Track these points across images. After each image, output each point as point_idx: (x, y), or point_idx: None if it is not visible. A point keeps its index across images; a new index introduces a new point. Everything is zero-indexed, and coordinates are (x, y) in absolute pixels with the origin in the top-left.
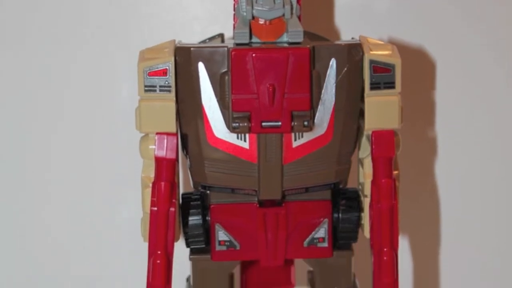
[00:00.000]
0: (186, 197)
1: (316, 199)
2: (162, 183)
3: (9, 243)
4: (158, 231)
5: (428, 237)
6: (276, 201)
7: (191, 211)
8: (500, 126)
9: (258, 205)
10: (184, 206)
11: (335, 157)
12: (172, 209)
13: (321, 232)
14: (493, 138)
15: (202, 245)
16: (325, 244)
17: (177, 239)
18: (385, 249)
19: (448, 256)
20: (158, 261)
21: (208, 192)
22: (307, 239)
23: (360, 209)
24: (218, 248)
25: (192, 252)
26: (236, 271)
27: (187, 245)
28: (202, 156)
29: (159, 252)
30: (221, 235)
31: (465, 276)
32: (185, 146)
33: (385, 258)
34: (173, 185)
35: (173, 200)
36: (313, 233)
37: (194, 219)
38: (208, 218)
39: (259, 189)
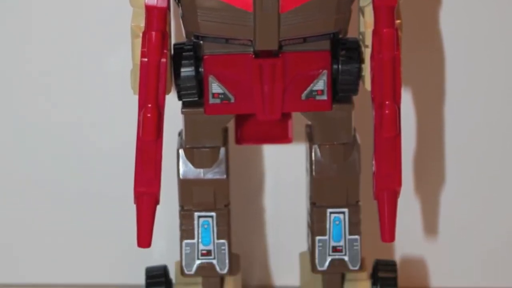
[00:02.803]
0: (178, 47)
1: (315, 50)
2: (153, 33)
3: None
4: (149, 83)
5: (432, 90)
6: (273, 52)
7: (183, 62)
8: None
9: (253, 56)
10: (176, 57)
11: (334, 5)
12: (163, 60)
13: (320, 84)
14: None
15: (194, 98)
16: (324, 97)
17: (169, 92)
18: (387, 102)
19: (452, 109)
20: (149, 115)
21: (201, 42)
22: (305, 92)
23: (360, 60)
24: (211, 101)
25: (184, 105)
26: (231, 125)
27: (179, 98)
28: (195, 4)
29: (149, 105)
30: (215, 87)
31: (470, 130)
32: None
33: (387, 111)
34: (165, 35)
35: (165, 51)
36: (311, 85)
37: (186, 71)
38: (201, 69)
39: (255, 39)
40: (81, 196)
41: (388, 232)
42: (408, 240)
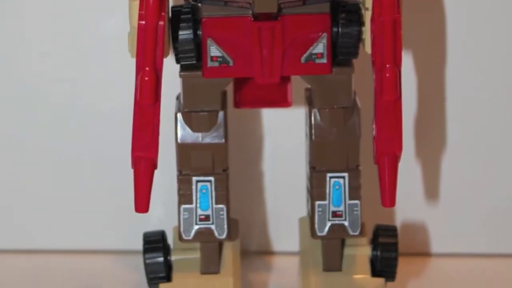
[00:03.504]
0: (176, 10)
1: (314, 13)
2: None
3: None
4: (146, 46)
5: (433, 53)
6: (272, 15)
7: (182, 24)
8: None
9: (252, 19)
10: (174, 19)
11: None
12: (161, 22)
13: (320, 47)
14: None
15: (193, 61)
16: (324, 60)
17: (167, 55)
18: (387, 66)
19: (454, 72)
20: (146, 78)
21: (199, 4)
22: (305, 55)
23: (361, 23)
24: (210, 64)
25: (183, 68)
26: (229, 89)
27: (177, 61)
28: None
29: (147, 69)
30: (213, 50)
31: (471, 93)
32: None
33: (387, 75)
34: None
35: (162, 14)
36: (311, 48)
37: (184, 33)
38: (199, 32)
39: (254, 1)
40: (78, 160)
41: (388, 197)
42: (409, 205)
